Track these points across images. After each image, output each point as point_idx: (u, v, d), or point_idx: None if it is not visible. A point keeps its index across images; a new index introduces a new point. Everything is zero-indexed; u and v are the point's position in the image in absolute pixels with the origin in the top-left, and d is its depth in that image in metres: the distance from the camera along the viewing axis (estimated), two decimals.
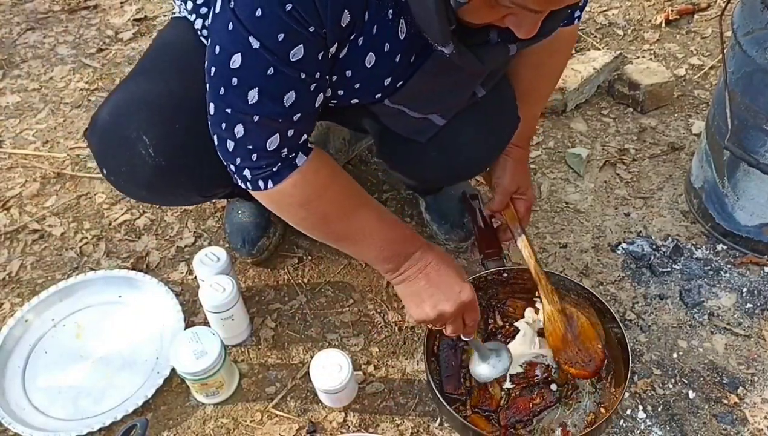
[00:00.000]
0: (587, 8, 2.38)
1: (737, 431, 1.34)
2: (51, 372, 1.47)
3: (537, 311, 1.41)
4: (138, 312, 1.56)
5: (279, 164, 1.04)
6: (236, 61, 0.93)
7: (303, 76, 0.96)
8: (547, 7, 0.86)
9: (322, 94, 1.03)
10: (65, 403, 1.42)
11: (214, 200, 1.79)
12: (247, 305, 1.54)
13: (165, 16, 2.46)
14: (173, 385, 1.44)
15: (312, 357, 1.39)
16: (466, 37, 0.97)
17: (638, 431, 1.34)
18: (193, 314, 1.56)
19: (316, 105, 1.04)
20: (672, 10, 2.33)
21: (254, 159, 1.03)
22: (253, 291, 1.61)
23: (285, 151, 1.03)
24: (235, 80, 0.95)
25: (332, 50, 0.97)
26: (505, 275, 1.44)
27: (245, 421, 1.39)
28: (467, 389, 1.35)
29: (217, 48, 0.95)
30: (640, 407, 1.37)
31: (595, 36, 2.29)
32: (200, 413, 1.40)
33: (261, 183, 1.06)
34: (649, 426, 1.35)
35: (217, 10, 0.94)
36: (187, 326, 1.48)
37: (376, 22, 0.97)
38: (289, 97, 0.97)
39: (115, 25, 2.43)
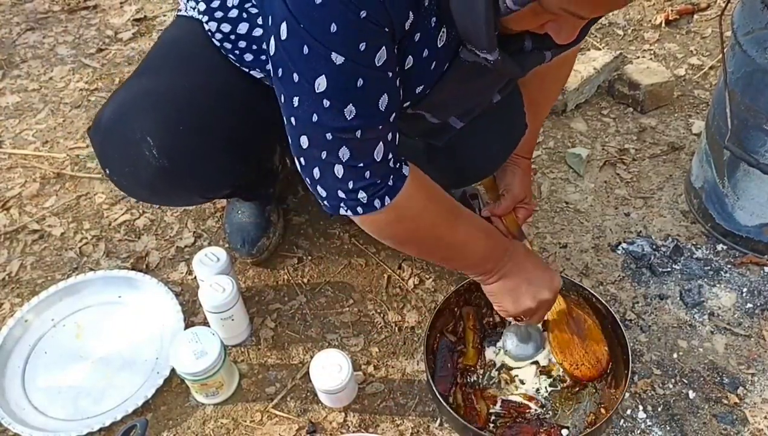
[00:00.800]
0: None
1: (737, 431, 1.34)
2: (51, 372, 1.47)
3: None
4: (138, 312, 1.56)
5: (392, 177, 1.02)
6: (321, 84, 0.90)
7: (390, 75, 0.94)
8: (594, 14, 0.87)
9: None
10: (65, 403, 1.42)
11: (213, 200, 1.79)
12: (247, 305, 1.53)
13: (165, 16, 2.46)
14: (173, 385, 1.44)
15: (312, 357, 1.39)
16: (502, 45, 0.96)
17: (638, 431, 1.34)
18: (192, 314, 1.56)
19: (401, 97, 1.02)
20: (672, 10, 2.33)
21: (368, 176, 0.99)
22: (253, 291, 1.61)
23: (391, 158, 1.01)
24: (326, 102, 0.91)
25: (396, 47, 0.96)
26: None
27: (245, 421, 1.39)
28: (455, 405, 1.34)
29: (295, 76, 0.91)
30: (640, 407, 1.37)
31: (595, 36, 2.29)
32: (200, 413, 1.40)
33: (377, 202, 1.02)
34: (649, 426, 1.35)
35: (283, 36, 0.90)
36: (186, 326, 1.48)
37: (420, 28, 0.96)
38: (384, 101, 0.95)
39: (115, 25, 2.43)
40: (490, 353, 1.40)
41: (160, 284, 1.57)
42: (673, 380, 1.42)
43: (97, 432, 1.36)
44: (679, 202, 1.76)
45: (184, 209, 1.78)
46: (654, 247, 1.65)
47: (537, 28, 0.91)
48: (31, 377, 1.47)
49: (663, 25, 2.31)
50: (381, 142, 0.98)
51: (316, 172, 1.00)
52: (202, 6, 1.23)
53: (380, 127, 0.97)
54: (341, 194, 1.01)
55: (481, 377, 1.38)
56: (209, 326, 1.45)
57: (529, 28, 0.92)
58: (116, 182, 1.30)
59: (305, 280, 1.63)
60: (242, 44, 1.21)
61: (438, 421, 1.37)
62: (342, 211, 1.04)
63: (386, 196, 1.02)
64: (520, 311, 1.23)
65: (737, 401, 1.38)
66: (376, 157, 0.98)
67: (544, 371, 1.35)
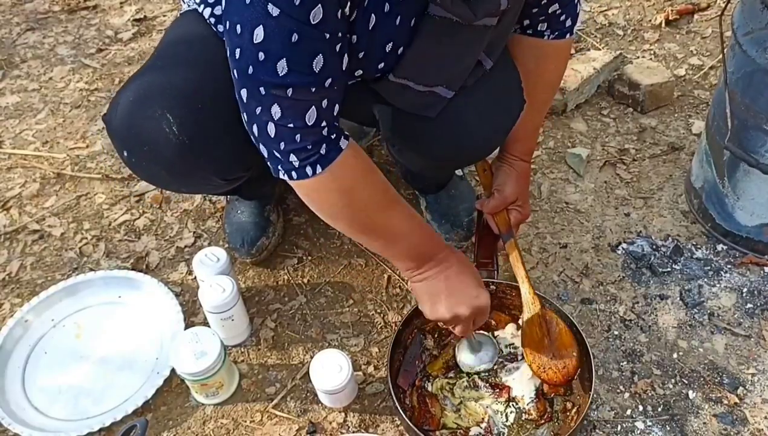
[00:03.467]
0: (587, 8, 2.39)
1: (737, 431, 1.34)
2: (51, 372, 1.47)
3: (518, 328, 1.40)
4: (138, 312, 1.56)
5: (325, 146, 1.03)
6: (259, 34, 0.92)
7: (327, 36, 0.95)
8: None
9: (347, 55, 1.02)
10: (65, 403, 1.42)
11: (214, 200, 1.79)
12: (247, 306, 1.54)
13: (165, 16, 2.46)
14: (173, 385, 1.44)
15: (312, 357, 1.39)
16: None
17: (638, 431, 1.34)
18: (193, 315, 1.56)
19: (344, 67, 1.03)
20: (672, 10, 2.33)
21: (298, 140, 1.01)
22: (253, 291, 1.61)
23: (324, 126, 1.02)
24: (261, 55, 0.93)
25: (346, 10, 0.96)
26: (493, 287, 1.43)
27: (245, 421, 1.39)
28: (411, 406, 1.35)
29: (238, 27, 0.94)
30: (640, 407, 1.37)
31: (595, 36, 2.29)
32: (200, 413, 1.40)
33: (309, 169, 1.04)
34: (649, 426, 1.35)
35: None
36: (187, 327, 1.48)
37: None
38: (318, 62, 0.95)
39: (115, 25, 2.43)
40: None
41: (160, 284, 1.57)
42: (673, 380, 1.42)
43: (97, 432, 1.36)
44: (679, 202, 1.76)
45: (184, 210, 1.78)
46: (654, 247, 1.65)
47: None
48: (31, 377, 1.47)
49: (663, 25, 2.31)
50: (314, 107, 0.99)
51: (255, 129, 1.03)
52: None
53: (313, 89, 0.97)
54: (277, 154, 1.04)
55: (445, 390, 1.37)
56: (209, 326, 1.45)
57: None
58: (134, 165, 1.30)
59: (305, 280, 1.63)
60: None
61: None
62: (280, 175, 1.07)
63: (317, 164, 1.03)
64: (435, 317, 1.23)
65: (737, 401, 1.38)
66: (307, 121, 0.99)
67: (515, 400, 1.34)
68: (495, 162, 1.46)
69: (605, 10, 2.39)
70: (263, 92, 0.97)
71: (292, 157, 1.03)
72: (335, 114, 1.04)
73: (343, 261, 1.65)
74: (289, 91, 0.96)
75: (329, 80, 0.99)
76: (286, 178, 1.07)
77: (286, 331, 1.53)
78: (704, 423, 1.35)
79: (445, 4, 0.99)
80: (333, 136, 1.04)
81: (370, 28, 1.02)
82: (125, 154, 1.28)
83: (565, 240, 1.68)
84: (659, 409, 1.37)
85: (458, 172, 1.71)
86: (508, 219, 1.42)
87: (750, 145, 1.47)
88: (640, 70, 2.01)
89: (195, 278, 1.58)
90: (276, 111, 0.98)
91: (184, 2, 1.36)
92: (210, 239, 1.71)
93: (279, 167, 1.06)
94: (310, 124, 1.00)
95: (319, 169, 1.04)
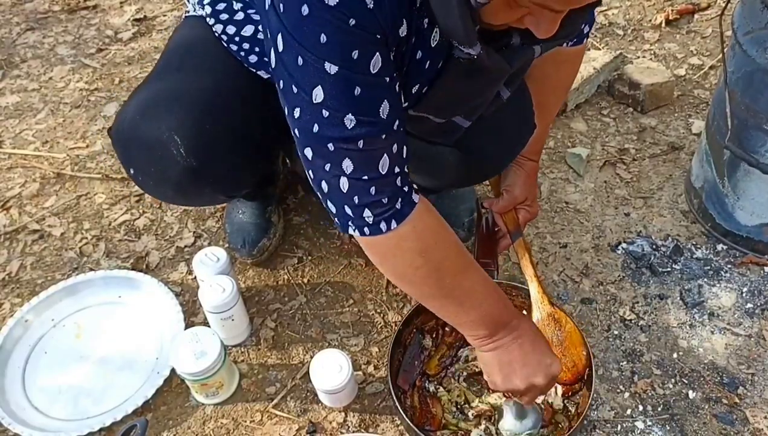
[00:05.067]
0: None
1: (737, 431, 1.34)
2: (51, 372, 1.47)
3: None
4: (138, 312, 1.56)
5: (401, 200, 0.98)
6: (318, 94, 0.89)
7: (388, 80, 0.93)
8: (567, 6, 0.85)
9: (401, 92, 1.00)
10: (65, 403, 1.42)
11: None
12: (247, 305, 1.54)
13: (165, 16, 2.46)
14: (173, 385, 1.44)
15: (312, 357, 1.39)
16: (489, 42, 0.96)
17: (638, 431, 1.34)
18: (193, 314, 1.56)
19: (403, 103, 1.01)
20: (672, 10, 2.33)
21: (373, 192, 0.96)
22: (253, 291, 1.61)
23: (398, 173, 0.98)
24: (325, 112, 0.90)
25: (392, 54, 0.94)
26: None
27: (245, 421, 1.39)
28: (411, 406, 1.34)
29: (294, 87, 0.90)
30: (640, 407, 1.37)
31: (595, 36, 2.29)
32: (200, 413, 1.40)
33: (383, 225, 0.98)
34: (649, 426, 1.35)
35: (280, 48, 0.90)
36: (187, 326, 1.48)
37: (414, 32, 0.95)
38: (384, 108, 0.92)
39: (115, 25, 2.43)
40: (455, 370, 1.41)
41: (160, 284, 1.57)
42: (673, 380, 1.42)
43: (97, 432, 1.36)
44: (679, 202, 1.76)
45: (184, 209, 1.78)
46: (654, 247, 1.65)
47: (516, 23, 0.90)
48: (31, 377, 1.47)
49: (663, 24, 2.31)
50: (386, 154, 0.95)
51: (324, 185, 0.98)
52: (208, 9, 1.25)
53: (383, 136, 0.94)
54: (348, 211, 0.99)
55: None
56: (209, 326, 1.45)
57: (508, 22, 0.91)
58: (140, 183, 1.29)
59: (305, 280, 1.63)
60: (246, 46, 1.21)
61: None
62: (350, 231, 1.01)
63: (392, 220, 0.98)
64: (508, 388, 1.15)
65: (737, 401, 1.38)
66: (381, 169, 0.95)
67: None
68: None
69: (605, 10, 2.39)
70: (332, 148, 0.93)
71: (367, 212, 0.97)
72: (405, 158, 1.00)
73: (343, 261, 1.65)
74: (360, 143, 0.92)
75: (397, 122, 0.96)
76: (357, 234, 1.01)
77: (286, 331, 1.53)
78: (704, 423, 1.35)
79: (482, 58, 0.96)
80: (406, 189, 0.99)
81: (403, 72, 1.00)
82: (131, 171, 1.27)
83: (565, 240, 1.68)
84: (659, 409, 1.37)
85: None
86: (516, 218, 1.42)
87: (750, 144, 1.47)
88: (640, 70, 2.01)
89: (195, 277, 1.58)
90: (348, 165, 0.94)
91: (188, 3, 1.34)
92: (210, 239, 1.71)
93: (349, 223, 1.00)
94: (384, 173, 0.95)
95: (394, 224, 0.98)
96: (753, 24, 1.41)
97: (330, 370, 1.33)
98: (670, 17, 2.31)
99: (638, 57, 2.17)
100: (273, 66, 0.94)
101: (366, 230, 0.99)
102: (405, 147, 0.99)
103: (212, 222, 1.75)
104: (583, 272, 1.61)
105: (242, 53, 1.23)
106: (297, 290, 1.60)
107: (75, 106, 2.11)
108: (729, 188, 1.58)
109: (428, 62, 1.01)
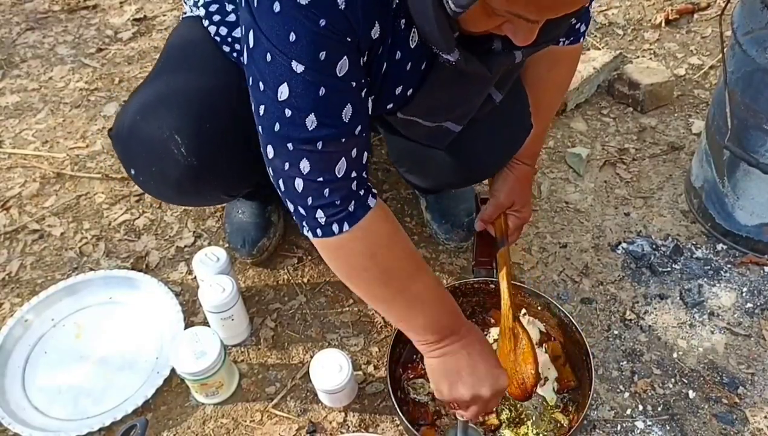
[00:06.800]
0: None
1: (737, 430, 1.34)
2: (51, 372, 1.47)
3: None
4: (138, 312, 1.56)
5: (354, 203, 0.99)
6: (283, 92, 0.90)
7: (354, 85, 0.93)
8: (542, 17, 0.85)
9: (369, 98, 1.00)
10: (65, 403, 1.42)
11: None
12: (247, 305, 1.54)
13: (165, 16, 2.46)
14: (173, 385, 1.44)
15: (312, 357, 1.39)
16: (470, 46, 0.96)
17: (638, 431, 1.34)
18: (192, 314, 1.56)
19: (370, 111, 1.01)
20: (672, 10, 2.33)
21: (326, 194, 0.97)
22: (253, 291, 1.61)
23: (354, 178, 0.98)
24: (288, 112, 0.91)
25: (364, 58, 0.95)
26: (492, 285, 1.43)
27: (245, 421, 1.39)
28: (406, 402, 1.35)
29: (261, 85, 0.91)
30: (640, 407, 1.37)
31: (595, 36, 2.29)
32: (200, 413, 1.40)
33: (336, 226, 0.99)
34: (649, 426, 1.35)
35: (251, 44, 0.91)
36: (186, 326, 1.48)
37: (391, 33, 0.96)
38: (347, 111, 0.93)
39: (115, 25, 2.43)
40: None
41: (160, 284, 1.57)
42: (673, 380, 1.42)
43: (97, 432, 1.36)
44: (679, 202, 1.76)
45: (184, 209, 1.78)
46: (654, 247, 1.65)
47: (495, 29, 0.90)
48: (31, 377, 1.47)
49: (663, 24, 2.31)
50: (344, 158, 0.96)
51: (281, 184, 0.99)
52: (201, 11, 1.26)
53: (343, 139, 0.95)
54: (302, 211, 1.00)
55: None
56: (209, 326, 1.45)
57: (488, 29, 0.91)
58: (141, 183, 1.30)
59: (305, 280, 1.63)
60: (238, 47, 1.22)
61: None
62: (304, 231, 1.02)
63: (345, 222, 0.99)
64: (454, 397, 1.13)
65: (737, 400, 1.38)
66: (337, 173, 0.96)
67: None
68: None
69: (605, 10, 2.39)
70: (291, 148, 0.94)
71: (319, 214, 0.99)
72: (364, 163, 1.00)
73: None
74: (319, 145, 0.93)
75: (359, 128, 0.96)
76: (309, 235, 1.02)
77: (286, 331, 1.53)
78: (704, 423, 1.35)
79: (460, 64, 0.96)
80: (362, 193, 1.01)
81: (382, 73, 1.00)
82: (132, 172, 1.27)
83: (564, 240, 1.68)
84: (659, 408, 1.37)
85: None
86: (504, 225, 1.40)
87: (750, 144, 1.47)
88: (640, 69, 2.01)
89: (195, 277, 1.58)
90: (305, 165, 0.94)
91: (186, 4, 1.35)
92: (210, 239, 1.71)
93: (304, 223, 1.01)
94: (339, 176, 0.96)
95: (345, 226, 0.99)
96: (753, 24, 1.41)
97: (330, 370, 1.33)
98: (670, 17, 2.31)
99: (638, 57, 2.17)
100: (245, 62, 0.94)
101: (318, 231, 1.00)
102: (366, 152, 1.00)
103: (212, 222, 1.75)
104: (583, 271, 1.61)
105: (235, 54, 1.23)
106: (297, 290, 1.60)
107: (75, 106, 2.11)
108: (729, 188, 1.58)
109: (409, 63, 1.02)
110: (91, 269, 1.64)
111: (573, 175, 1.84)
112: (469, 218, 1.63)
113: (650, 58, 2.16)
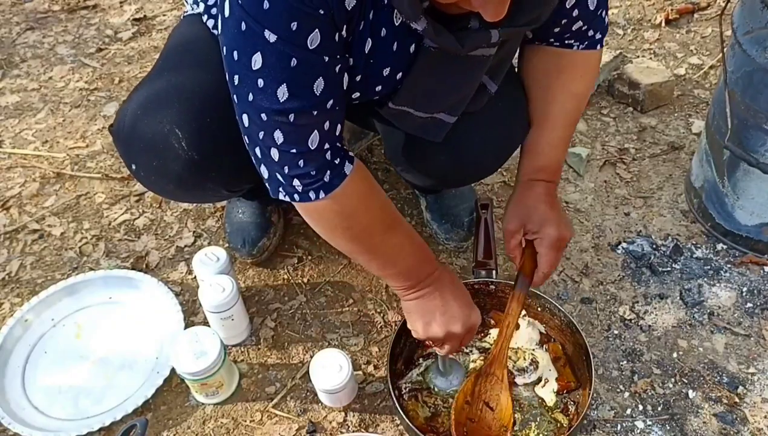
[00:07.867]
0: None
1: (737, 430, 1.34)
2: (51, 372, 1.47)
3: (518, 327, 1.40)
4: (137, 312, 1.56)
5: (329, 172, 1.02)
6: (257, 61, 0.91)
7: (326, 59, 0.94)
8: None
9: (346, 74, 1.02)
10: (65, 403, 1.42)
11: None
12: (247, 305, 1.54)
13: (165, 15, 2.46)
14: (173, 385, 1.44)
15: (312, 357, 1.39)
16: (448, 25, 0.97)
17: (638, 431, 1.34)
18: (192, 314, 1.56)
19: (344, 86, 1.02)
20: (672, 10, 2.33)
21: (301, 165, 1.00)
22: (253, 291, 1.61)
23: (327, 149, 1.01)
24: (260, 82, 0.93)
25: (343, 33, 0.96)
26: (492, 287, 1.43)
27: (245, 421, 1.39)
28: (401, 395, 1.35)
29: (235, 54, 0.93)
30: (640, 407, 1.37)
31: None
32: (200, 413, 1.40)
33: (312, 194, 1.03)
34: (649, 426, 1.35)
35: (226, 14, 0.92)
36: (186, 326, 1.48)
37: (373, 7, 0.97)
38: (318, 85, 0.94)
39: (115, 24, 2.43)
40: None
41: (160, 284, 1.57)
42: (673, 380, 1.42)
43: (97, 432, 1.36)
44: (679, 201, 1.76)
45: (184, 209, 1.78)
46: (654, 246, 1.65)
47: (465, 3, 0.90)
48: (31, 376, 1.47)
49: (663, 24, 2.31)
50: (316, 131, 0.98)
51: (258, 151, 1.02)
52: (201, 6, 1.27)
53: (315, 112, 0.97)
54: (279, 178, 1.03)
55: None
56: (209, 326, 1.45)
57: (457, 2, 0.91)
58: (142, 179, 1.30)
59: (305, 280, 1.63)
60: None
61: None
62: (281, 196, 1.05)
63: (321, 190, 1.03)
64: (428, 335, 1.21)
65: (737, 400, 1.38)
66: (310, 145, 0.98)
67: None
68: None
69: None
70: (264, 118, 0.96)
71: (296, 182, 1.02)
72: (338, 135, 1.03)
73: (343, 261, 1.65)
74: (291, 117, 0.95)
75: (331, 102, 0.98)
76: (287, 199, 1.05)
77: (286, 330, 1.53)
78: (704, 423, 1.35)
79: (429, 34, 0.97)
80: (337, 161, 1.03)
81: (366, 51, 1.01)
82: (133, 167, 1.27)
83: None
84: (659, 408, 1.37)
85: None
86: (531, 263, 1.23)
87: (750, 144, 1.47)
88: (640, 69, 2.01)
89: (195, 277, 1.58)
90: (279, 136, 0.97)
91: (186, 2, 1.36)
92: (210, 239, 1.71)
93: (280, 189, 1.05)
94: (313, 148, 0.99)
95: (322, 194, 1.03)
96: (753, 23, 1.41)
97: (330, 370, 1.33)
98: (670, 17, 2.31)
99: (638, 57, 2.17)
100: (220, 31, 0.96)
101: (296, 196, 1.04)
102: (339, 124, 1.03)
103: (212, 222, 1.75)
104: (583, 271, 1.61)
105: None
106: (297, 290, 1.60)
107: (75, 106, 2.11)
108: (729, 188, 1.58)
109: (395, 43, 1.02)
110: (91, 269, 1.64)
111: (573, 175, 1.84)
112: (469, 217, 1.63)
113: (650, 58, 2.16)
